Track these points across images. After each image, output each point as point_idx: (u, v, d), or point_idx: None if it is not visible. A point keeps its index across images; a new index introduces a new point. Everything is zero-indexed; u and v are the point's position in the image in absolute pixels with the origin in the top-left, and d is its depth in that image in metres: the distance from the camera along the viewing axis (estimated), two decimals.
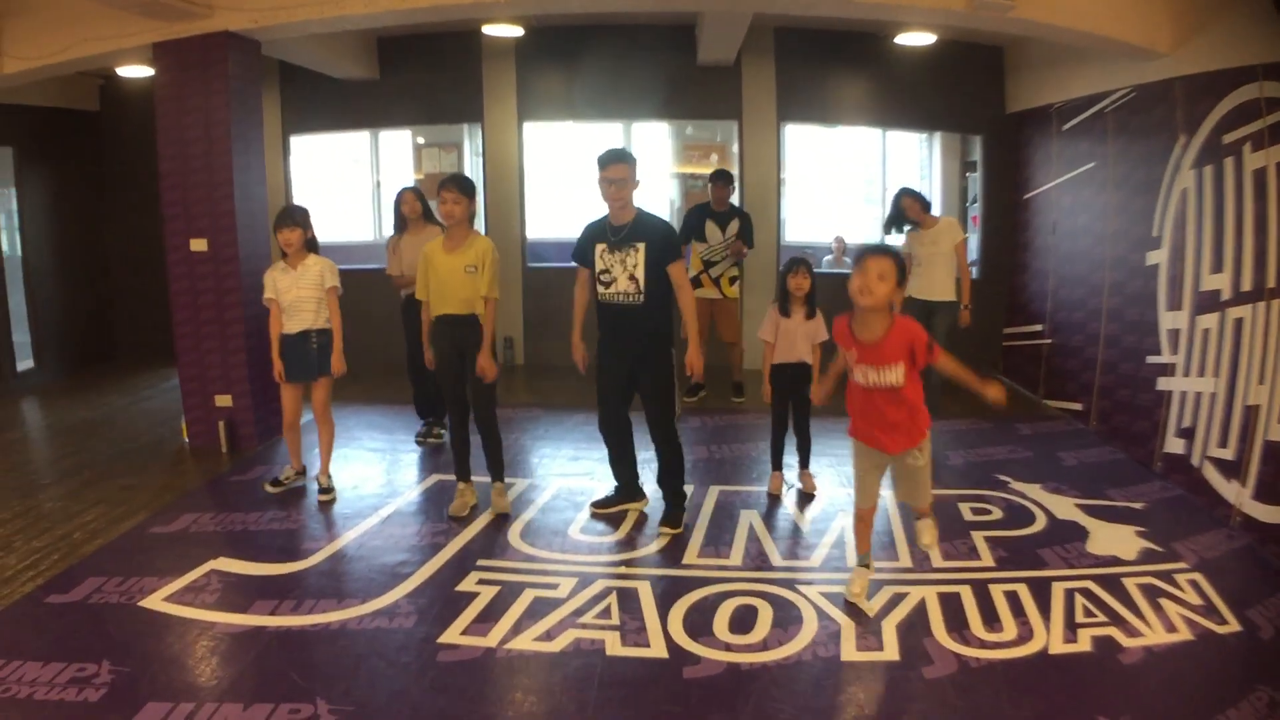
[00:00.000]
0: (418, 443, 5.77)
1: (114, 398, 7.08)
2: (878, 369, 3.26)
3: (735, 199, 7.21)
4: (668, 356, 4.29)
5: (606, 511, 4.56)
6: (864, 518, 3.63)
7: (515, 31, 6.84)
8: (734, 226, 6.59)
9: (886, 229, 6.16)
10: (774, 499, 4.77)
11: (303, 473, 4.95)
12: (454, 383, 4.46)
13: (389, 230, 9.39)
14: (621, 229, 4.19)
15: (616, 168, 4.11)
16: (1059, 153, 6.81)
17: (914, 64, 7.61)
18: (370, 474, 5.19)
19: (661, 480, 4.46)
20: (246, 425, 5.62)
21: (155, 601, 3.51)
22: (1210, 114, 4.75)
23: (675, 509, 4.41)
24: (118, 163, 8.43)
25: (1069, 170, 6.63)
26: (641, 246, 4.13)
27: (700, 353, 4.27)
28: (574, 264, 4.39)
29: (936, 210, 8.32)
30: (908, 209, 5.90)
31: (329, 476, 4.80)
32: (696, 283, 6.41)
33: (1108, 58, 5.75)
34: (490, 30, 6.85)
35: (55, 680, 2.93)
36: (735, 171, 7.92)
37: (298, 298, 4.58)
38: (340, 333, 4.69)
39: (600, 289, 4.24)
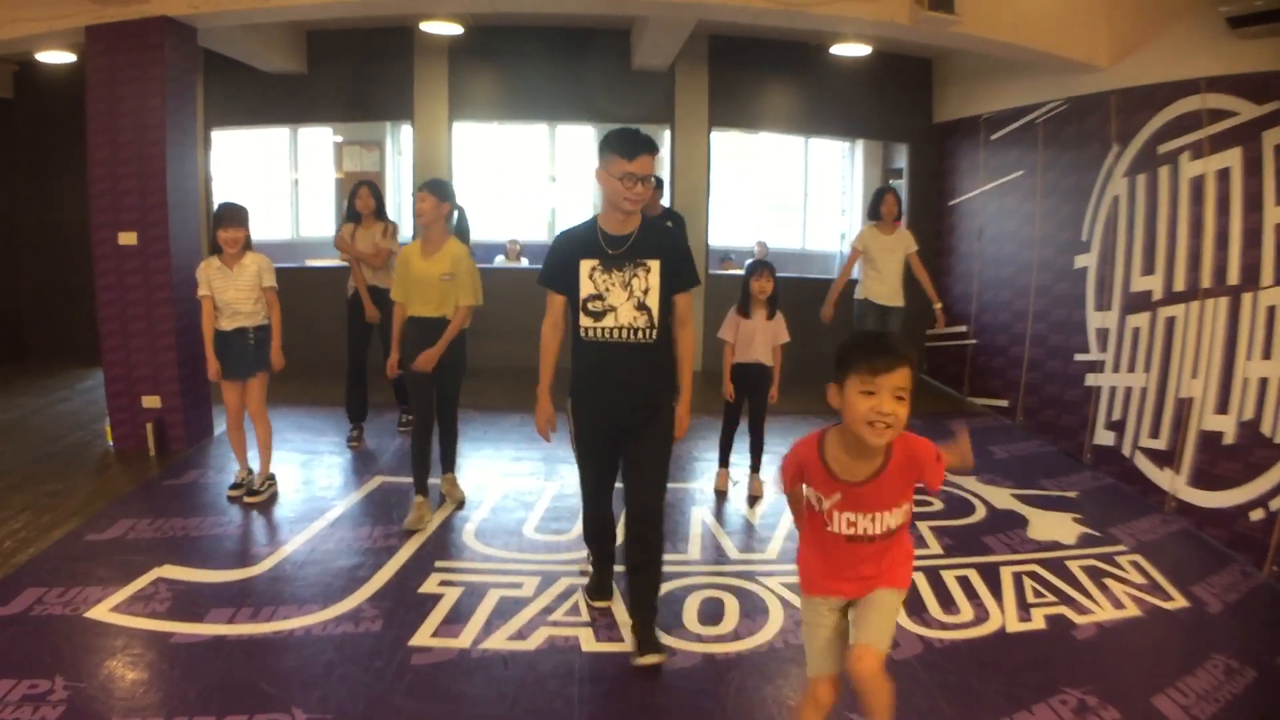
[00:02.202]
0: (350, 447, 5.61)
1: (26, 399, 6.66)
2: (871, 515, 2.20)
3: (666, 202, 7.26)
4: (671, 417, 3.13)
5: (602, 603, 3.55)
6: (820, 696, 2.32)
7: (455, 30, 6.75)
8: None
9: (869, 216, 6.19)
10: (720, 495, 4.84)
11: (252, 472, 4.79)
12: (424, 388, 4.38)
13: (306, 230, 9.20)
14: (624, 240, 3.00)
15: (646, 159, 2.92)
16: (986, 161, 7.10)
17: (843, 73, 7.81)
18: (310, 477, 5.03)
19: (640, 601, 3.13)
20: (176, 427, 5.37)
21: (102, 612, 3.32)
22: (1146, 125, 5.00)
23: (651, 632, 3.14)
24: (32, 153, 7.95)
25: (997, 178, 6.91)
26: (654, 264, 2.98)
27: (688, 411, 3.19)
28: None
29: (858, 216, 8.63)
30: (886, 206, 6.00)
31: (270, 478, 4.70)
32: None
33: (1041, 71, 5.98)
34: (428, 27, 6.74)
35: (6, 699, 2.73)
36: (666, 176, 7.98)
37: (234, 297, 4.44)
38: (279, 329, 4.58)
39: (587, 323, 3.01)
